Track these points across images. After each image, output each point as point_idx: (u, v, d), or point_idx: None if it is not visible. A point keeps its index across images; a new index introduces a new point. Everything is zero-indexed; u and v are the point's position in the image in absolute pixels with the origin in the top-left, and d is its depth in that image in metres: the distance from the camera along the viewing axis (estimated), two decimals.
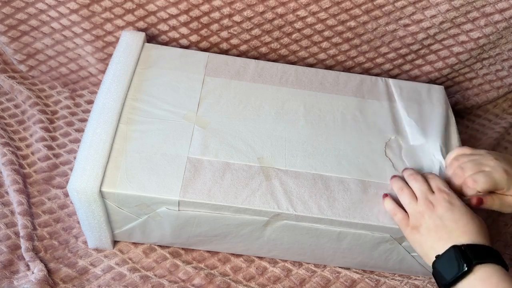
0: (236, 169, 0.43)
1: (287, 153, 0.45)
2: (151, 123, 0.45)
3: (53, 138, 0.54)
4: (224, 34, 0.56)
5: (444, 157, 0.45)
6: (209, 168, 0.43)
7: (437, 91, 0.53)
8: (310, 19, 0.55)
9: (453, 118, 0.50)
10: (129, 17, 0.55)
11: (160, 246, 0.48)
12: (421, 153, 0.47)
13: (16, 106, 0.57)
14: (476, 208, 0.38)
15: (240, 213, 0.41)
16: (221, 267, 0.47)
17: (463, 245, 0.34)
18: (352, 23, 0.55)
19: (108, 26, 0.55)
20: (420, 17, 0.55)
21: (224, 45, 0.57)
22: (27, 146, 0.53)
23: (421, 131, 0.48)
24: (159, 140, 0.44)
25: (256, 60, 0.53)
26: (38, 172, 0.51)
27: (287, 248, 0.45)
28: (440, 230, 0.36)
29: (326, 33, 0.56)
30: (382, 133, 0.48)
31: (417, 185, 0.40)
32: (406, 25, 0.55)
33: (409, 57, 0.59)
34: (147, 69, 0.50)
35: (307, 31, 0.56)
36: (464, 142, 0.54)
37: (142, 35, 0.52)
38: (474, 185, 0.38)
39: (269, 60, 0.59)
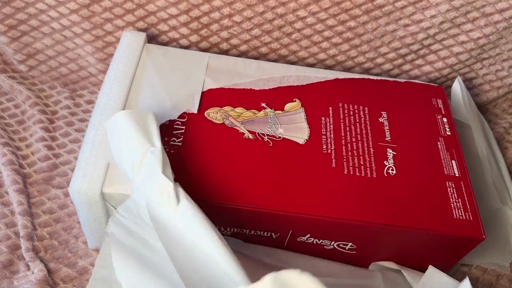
0: None
1: None
2: None
3: (53, 138, 0.54)
4: (224, 34, 0.56)
5: None
6: None
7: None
8: (310, 19, 0.55)
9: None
10: (129, 17, 0.55)
11: None
12: None
13: (16, 106, 0.56)
14: None
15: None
16: None
17: None
18: (352, 23, 0.55)
19: (108, 26, 0.55)
20: (420, 17, 0.55)
21: (224, 45, 0.57)
22: (27, 146, 0.53)
23: None
24: None
25: (257, 61, 0.53)
26: (38, 172, 0.51)
27: None
28: None
29: (326, 33, 0.56)
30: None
31: None
32: (406, 25, 0.55)
33: (409, 57, 0.59)
34: (148, 69, 0.50)
35: (307, 31, 0.56)
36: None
37: (143, 35, 0.52)
38: None
39: (269, 60, 0.59)
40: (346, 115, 0.49)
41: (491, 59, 0.59)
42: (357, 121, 0.49)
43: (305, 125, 0.47)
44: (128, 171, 0.37)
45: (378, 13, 0.54)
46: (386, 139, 0.48)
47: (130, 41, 0.51)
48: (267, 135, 0.46)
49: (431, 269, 0.43)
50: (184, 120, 0.46)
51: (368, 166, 0.45)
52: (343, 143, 0.47)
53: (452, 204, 0.44)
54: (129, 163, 0.37)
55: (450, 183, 0.45)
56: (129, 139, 0.37)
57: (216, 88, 0.49)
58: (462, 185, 0.46)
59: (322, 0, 0.53)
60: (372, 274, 0.46)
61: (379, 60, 0.59)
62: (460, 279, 0.49)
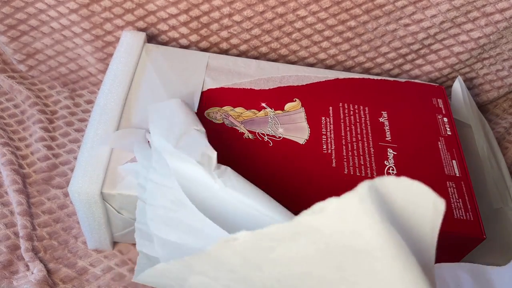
0: None
1: None
2: None
3: (53, 138, 0.54)
4: (224, 33, 0.56)
5: None
6: None
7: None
8: (310, 19, 0.55)
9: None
10: (129, 17, 0.55)
11: None
12: None
13: (16, 106, 0.56)
14: None
15: None
16: None
17: None
18: (352, 23, 0.55)
19: (108, 26, 0.55)
20: (421, 17, 0.55)
21: (224, 45, 0.57)
22: (27, 146, 0.53)
23: None
24: None
25: (257, 60, 0.53)
26: (37, 172, 0.51)
27: None
28: None
29: (326, 33, 0.56)
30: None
31: None
32: (406, 25, 0.55)
33: (409, 57, 0.59)
34: (148, 69, 0.50)
35: (307, 31, 0.56)
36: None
37: (142, 35, 0.52)
38: None
39: (269, 59, 0.59)
40: (346, 115, 0.49)
41: (491, 59, 0.59)
42: (358, 121, 0.49)
43: (305, 125, 0.47)
44: (164, 138, 0.38)
45: (379, 12, 0.54)
46: (387, 139, 0.48)
47: (130, 40, 0.51)
48: (267, 135, 0.46)
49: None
50: None
51: (368, 166, 0.45)
52: (344, 143, 0.47)
53: (452, 204, 0.44)
54: (170, 134, 0.38)
55: (450, 183, 0.45)
56: (176, 117, 0.40)
57: (216, 88, 0.49)
58: (463, 185, 0.46)
59: None
60: None
61: (380, 59, 0.59)
62: None
